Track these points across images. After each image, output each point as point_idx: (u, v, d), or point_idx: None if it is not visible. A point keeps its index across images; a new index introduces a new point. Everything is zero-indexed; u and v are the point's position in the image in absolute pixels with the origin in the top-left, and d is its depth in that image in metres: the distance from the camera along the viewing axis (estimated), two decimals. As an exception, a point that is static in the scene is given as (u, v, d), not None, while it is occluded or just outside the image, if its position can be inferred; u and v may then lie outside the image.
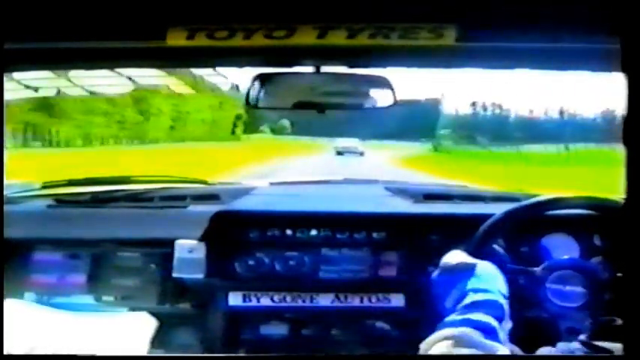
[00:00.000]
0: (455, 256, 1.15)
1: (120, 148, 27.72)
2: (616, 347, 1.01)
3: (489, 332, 0.90)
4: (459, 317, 0.94)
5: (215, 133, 39.44)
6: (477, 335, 0.88)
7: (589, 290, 1.18)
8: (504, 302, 0.99)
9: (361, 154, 28.03)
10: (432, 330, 0.95)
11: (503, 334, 0.93)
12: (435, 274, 1.14)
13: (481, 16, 0.86)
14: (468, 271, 1.06)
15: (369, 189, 2.21)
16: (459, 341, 0.87)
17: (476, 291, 1.00)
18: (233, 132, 41.33)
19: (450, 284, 1.06)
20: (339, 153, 27.94)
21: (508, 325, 0.97)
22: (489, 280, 1.05)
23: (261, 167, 15.89)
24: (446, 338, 0.88)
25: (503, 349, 0.88)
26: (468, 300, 0.98)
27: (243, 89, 1.17)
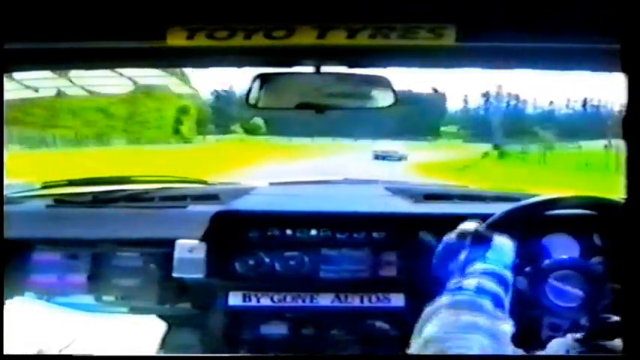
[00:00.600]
0: (472, 225, 1.16)
1: None
2: (613, 345, 1.01)
3: (498, 303, 0.91)
4: (473, 282, 0.95)
5: (141, 132, 28.59)
6: (488, 304, 0.89)
7: (589, 290, 1.18)
8: (510, 277, 1.01)
9: (401, 158, 23.44)
10: None
11: (507, 307, 0.94)
12: (451, 236, 1.16)
13: (481, 16, 0.86)
14: (484, 239, 1.09)
15: (369, 189, 2.21)
16: (470, 307, 0.88)
17: (490, 261, 1.02)
18: (177, 131, 30.84)
19: (463, 248, 1.08)
20: (378, 157, 23.34)
21: (508, 298, 0.97)
22: (503, 253, 1.06)
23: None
24: (457, 304, 0.89)
25: (509, 324, 0.88)
26: (480, 267, 1.00)
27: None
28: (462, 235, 1.13)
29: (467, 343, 0.80)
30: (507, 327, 0.88)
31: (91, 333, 1.46)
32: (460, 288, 0.95)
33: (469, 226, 1.16)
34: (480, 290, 0.93)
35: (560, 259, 1.28)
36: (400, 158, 23.35)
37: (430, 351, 0.81)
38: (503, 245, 1.09)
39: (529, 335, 1.10)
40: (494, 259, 1.03)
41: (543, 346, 1.14)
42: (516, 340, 0.95)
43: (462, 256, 1.06)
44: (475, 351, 0.78)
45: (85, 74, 1.60)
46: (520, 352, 0.92)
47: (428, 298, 1.14)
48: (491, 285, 0.94)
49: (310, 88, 1.16)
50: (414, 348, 0.85)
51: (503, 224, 1.32)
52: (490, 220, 1.27)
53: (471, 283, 0.95)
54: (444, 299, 0.92)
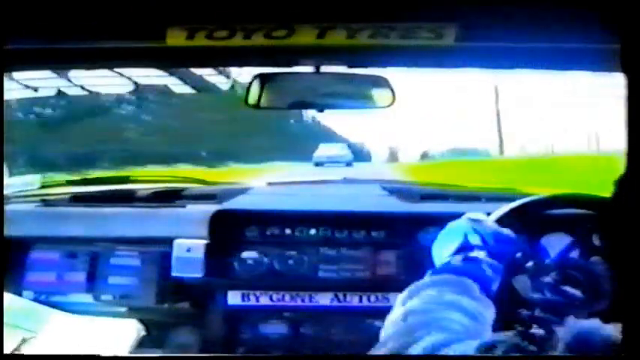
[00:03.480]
0: (478, 215, 1.18)
1: None
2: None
3: (485, 288, 0.93)
4: (462, 264, 0.98)
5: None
6: (475, 288, 0.92)
7: (587, 289, 1.18)
8: (502, 269, 1.02)
9: (349, 163, 19.42)
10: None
11: (492, 295, 0.96)
12: (456, 221, 1.18)
13: (481, 16, 0.86)
14: (486, 229, 1.10)
15: (367, 189, 2.22)
16: (456, 287, 0.90)
17: (486, 249, 1.03)
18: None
19: (464, 233, 1.09)
20: (320, 164, 19.09)
21: (495, 286, 0.99)
22: (502, 245, 1.08)
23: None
24: (445, 283, 0.91)
25: (492, 310, 0.90)
26: (474, 253, 1.02)
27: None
28: (467, 222, 1.14)
29: (448, 317, 0.81)
30: (490, 313, 0.90)
31: (89, 331, 1.46)
32: (448, 269, 0.97)
33: (475, 215, 1.17)
34: (468, 273, 0.95)
35: (551, 260, 1.28)
36: (349, 163, 19.17)
37: (409, 322, 0.82)
38: (504, 237, 1.11)
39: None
40: (491, 248, 1.04)
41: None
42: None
43: (460, 240, 1.07)
44: (455, 328, 0.79)
45: (85, 74, 1.60)
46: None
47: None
48: (480, 270, 0.97)
49: (310, 88, 1.16)
50: (393, 320, 0.86)
51: (507, 219, 1.32)
52: (495, 214, 1.29)
53: (460, 264, 0.98)
54: (431, 277, 0.94)
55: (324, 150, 20.38)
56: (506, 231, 1.13)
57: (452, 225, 1.16)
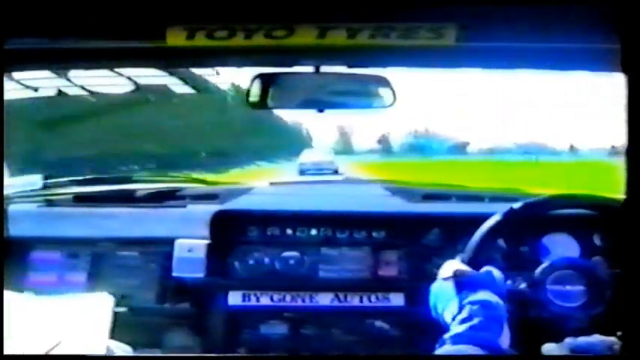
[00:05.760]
0: (451, 267, 1.13)
1: None
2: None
3: (490, 346, 0.90)
4: (460, 332, 0.94)
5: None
6: (479, 352, 0.89)
7: (589, 289, 1.18)
8: (502, 312, 0.99)
9: (336, 171, 16.20)
10: (430, 330, 0.95)
11: (502, 344, 0.93)
12: (433, 285, 1.14)
13: (481, 16, 0.86)
14: (464, 282, 1.06)
15: (368, 189, 2.22)
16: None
17: (473, 303, 0.99)
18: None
19: (447, 296, 1.05)
20: (305, 172, 15.25)
21: (506, 335, 0.97)
22: (486, 290, 1.04)
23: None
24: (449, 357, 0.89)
25: None
26: (465, 313, 0.98)
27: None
28: (445, 283, 1.10)
29: None
30: None
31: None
32: (452, 340, 0.93)
33: (449, 269, 1.12)
34: (471, 340, 0.92)
35: (559, 259, 1.28)
36: (336, 171, 16.68)
37: None
38: (485, 281, 1.07)
39: (532, 336, 1.09)
40: (481, 300, 1.00)
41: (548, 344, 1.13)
42: (521, 342, 0.95)
43: (451, 304, 1.03)
44: None
45: (85, 74, 1.60)
46: None
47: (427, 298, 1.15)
48: (479, 331, 0.94)
49: (310, 88, 1.16)
50: None
51: (502, 225, 1.31)
52: (468, 252, 1.25)
53: (462, 333, 0.94)
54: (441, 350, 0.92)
55: (308, 156, 18.13)
56: (486, 271, 1.10)
57: (436, 288, 1.12)
